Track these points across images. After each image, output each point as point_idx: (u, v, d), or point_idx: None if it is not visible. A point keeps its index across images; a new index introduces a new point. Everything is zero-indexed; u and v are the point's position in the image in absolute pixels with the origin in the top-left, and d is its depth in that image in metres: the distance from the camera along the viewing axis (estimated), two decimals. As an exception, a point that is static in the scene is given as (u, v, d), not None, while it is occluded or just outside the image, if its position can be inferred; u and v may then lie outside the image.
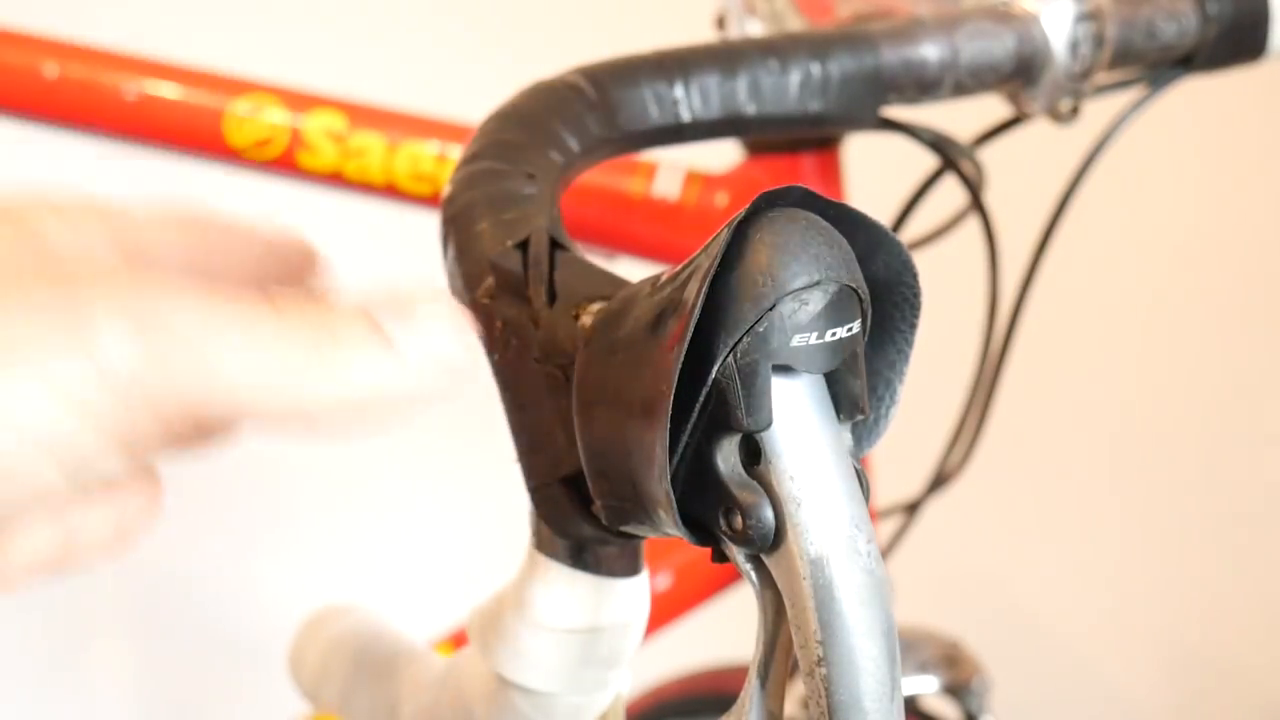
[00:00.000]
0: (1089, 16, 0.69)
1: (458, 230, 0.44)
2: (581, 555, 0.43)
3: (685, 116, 0.54)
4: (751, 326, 0.36)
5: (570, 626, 0.43)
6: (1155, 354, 1.66)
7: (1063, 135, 0.78)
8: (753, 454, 0.37)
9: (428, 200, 0.97)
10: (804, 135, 0.88)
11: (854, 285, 0.37)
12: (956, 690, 1.02)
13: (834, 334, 0.37)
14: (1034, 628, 1.71)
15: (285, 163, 0.98)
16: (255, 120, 0.98)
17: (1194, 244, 1.64)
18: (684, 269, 0.38)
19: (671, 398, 0.36)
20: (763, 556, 0.38)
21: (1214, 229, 1.64)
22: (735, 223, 0.36)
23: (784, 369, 0.37)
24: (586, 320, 0.40)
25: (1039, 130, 0.79)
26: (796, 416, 0.37)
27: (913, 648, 1.01)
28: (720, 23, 0.86)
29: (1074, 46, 0.69)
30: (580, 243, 0.98)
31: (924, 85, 0.63)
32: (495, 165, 0.46)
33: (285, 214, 1.67)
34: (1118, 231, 1.60)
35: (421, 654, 0.50)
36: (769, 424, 0.37)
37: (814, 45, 0.58)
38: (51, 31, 1.06)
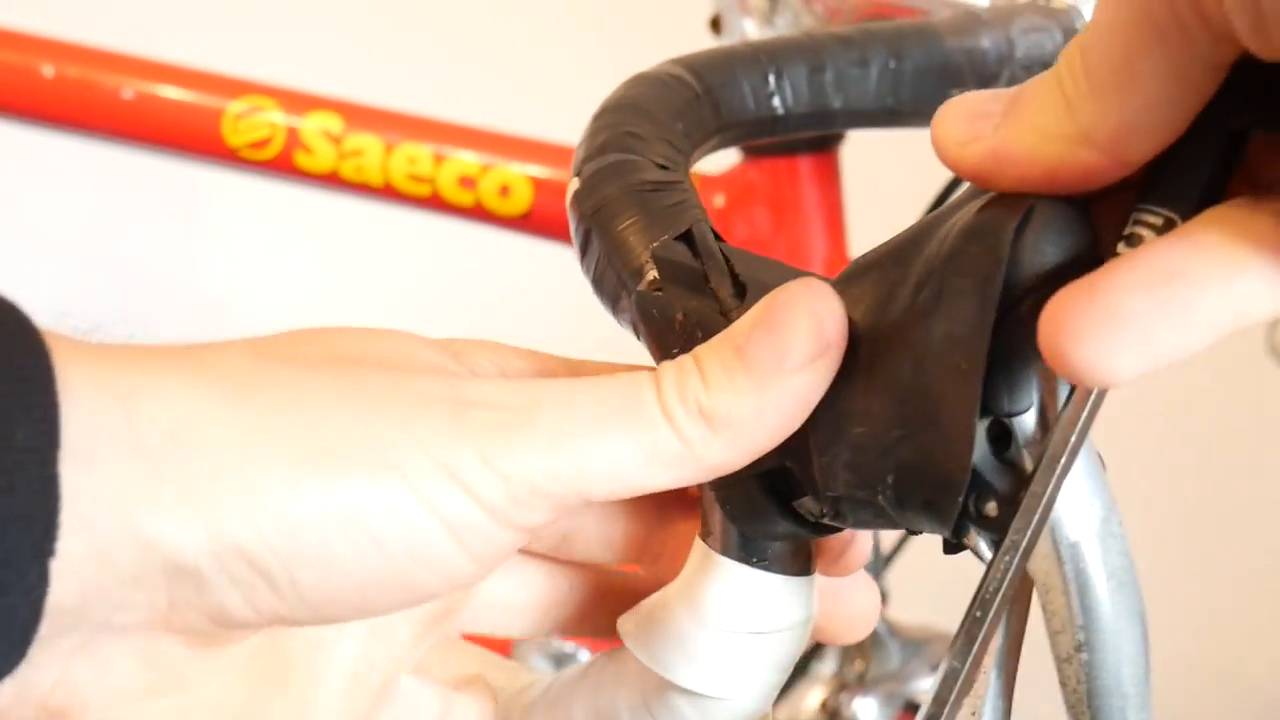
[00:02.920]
0: None
1: (602, 224, 0.43)
2: (761, 553, 0.41)
3: (779, 109, 0.53)
4: (1017, 305, 0.35)
5: (749, 628, 0.41)
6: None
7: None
8: (1003, 437, 0.37)
9: (425, 201, 0.97)
10: (803, 136, 0.88)
11: None
12: (960, 689, 1.02)
13: None
14: (1035, 626, 1.71)
15: (282, 163, 0.98)
16: (252, 121, 0.98)
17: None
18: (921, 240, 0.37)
19: (983, 375, 0.35)
20: None
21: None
22: (1014, 197, 0.35)
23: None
24: None
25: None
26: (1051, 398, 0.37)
27: (923, 647, 1.01)
28: (715, 24, 0.86)
29: None
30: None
31: (984, 79, 0.63)
32: (628, 158, 0.45)
33: (282, 216, 1.67)
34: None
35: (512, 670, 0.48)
36: (1030, 406, 0.36)
37: (889, 38, 0.57)
38: (49, 31, 1.06)
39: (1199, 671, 1.71)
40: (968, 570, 0.39)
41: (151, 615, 0.34)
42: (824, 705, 1.00)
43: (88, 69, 1.02)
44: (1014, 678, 0.39)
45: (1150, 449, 1.68)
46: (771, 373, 0.37)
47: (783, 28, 0.82)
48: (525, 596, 0.46)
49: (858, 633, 0.45)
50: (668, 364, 0.38)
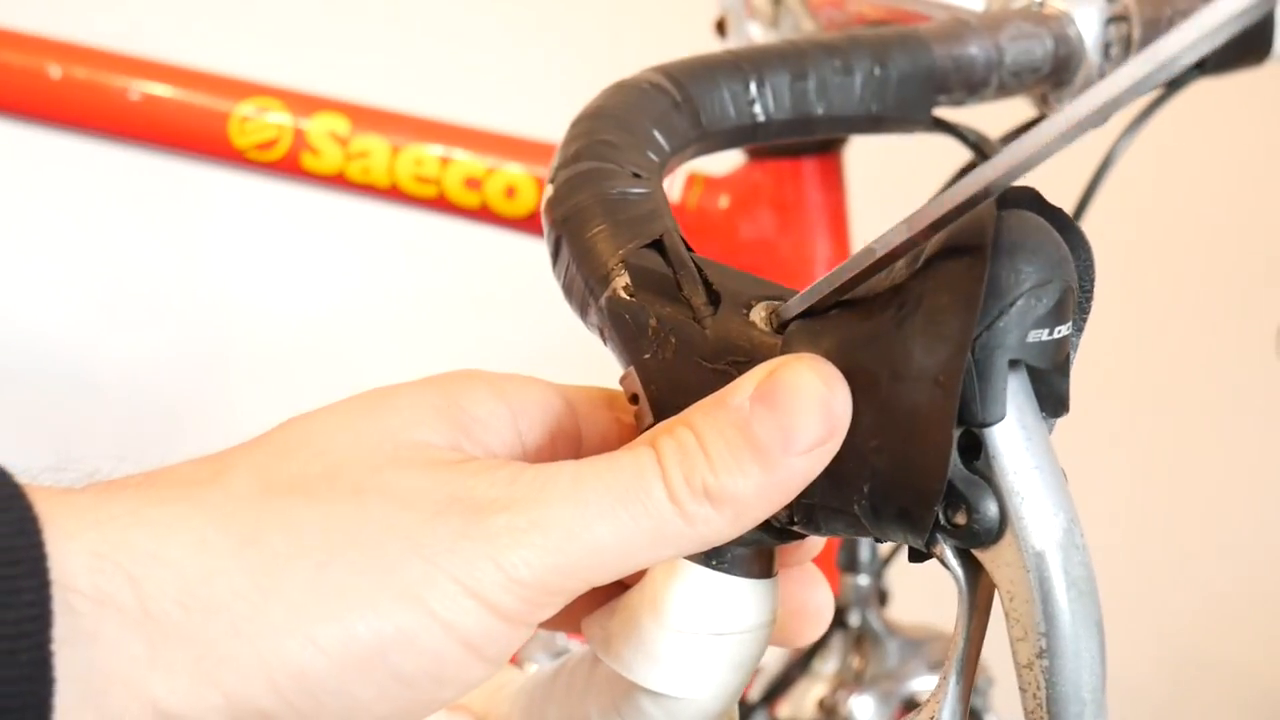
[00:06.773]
0: (1118, 18, 0.70)
1: (572, 232, 0.44)
2: (722, 558, 0.42)
3: (760, 116, 0.54)
4: (993, 321, 0.37)
5: (710, 630, 0.42)
6: (1155, 351, 1.66)
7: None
8: (972, 448, 0.38)
9: (431, 203, 0.97)
10: (808, 139, 0.88)
11: (1074, 286, 0.38)
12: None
13: (1059, 331, 0.38)
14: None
15: (289, 165, 0.99)
16: (259, 122, 0.99)
17: (1203, 241, 1.65)
18: (899, 262, 0.38)
19: (960, 392, 0.36)
20: (976, 551, 0.38)
21: (1219, 227, 1.64)
22: (986, 217, 0.37)
23: (1011, 364, 0.37)
24: (758, 319, 0.40)
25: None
26: (1019, 411, 0.38)
27: (923, 647, 1.01)
28: (720, 26, 0.87)
29: (1106, 48, 0.69)
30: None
31: (972, 86, 0.63)
32: (601, 165, 0.45)
33: (288, 217, 1.66)
34: (1126, 229, 1.60)
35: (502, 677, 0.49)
36: (1002, 417, 0.37)
37: (874, 46, 0.58)
38: (56, 32, 1.06)
39: (1203, 670, 1.71)
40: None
41: None
42: (821, 703, 1.00)
43: (94, 70, 1.02)
44: (972, 684, 0.40)
45: (1160, 450, 1.68)
46: (778, 455, 0.37)
47: (788, 31, 0.83)
48: None
49: (811, 632, 0.46)
50: (668, 442, 0.38)
